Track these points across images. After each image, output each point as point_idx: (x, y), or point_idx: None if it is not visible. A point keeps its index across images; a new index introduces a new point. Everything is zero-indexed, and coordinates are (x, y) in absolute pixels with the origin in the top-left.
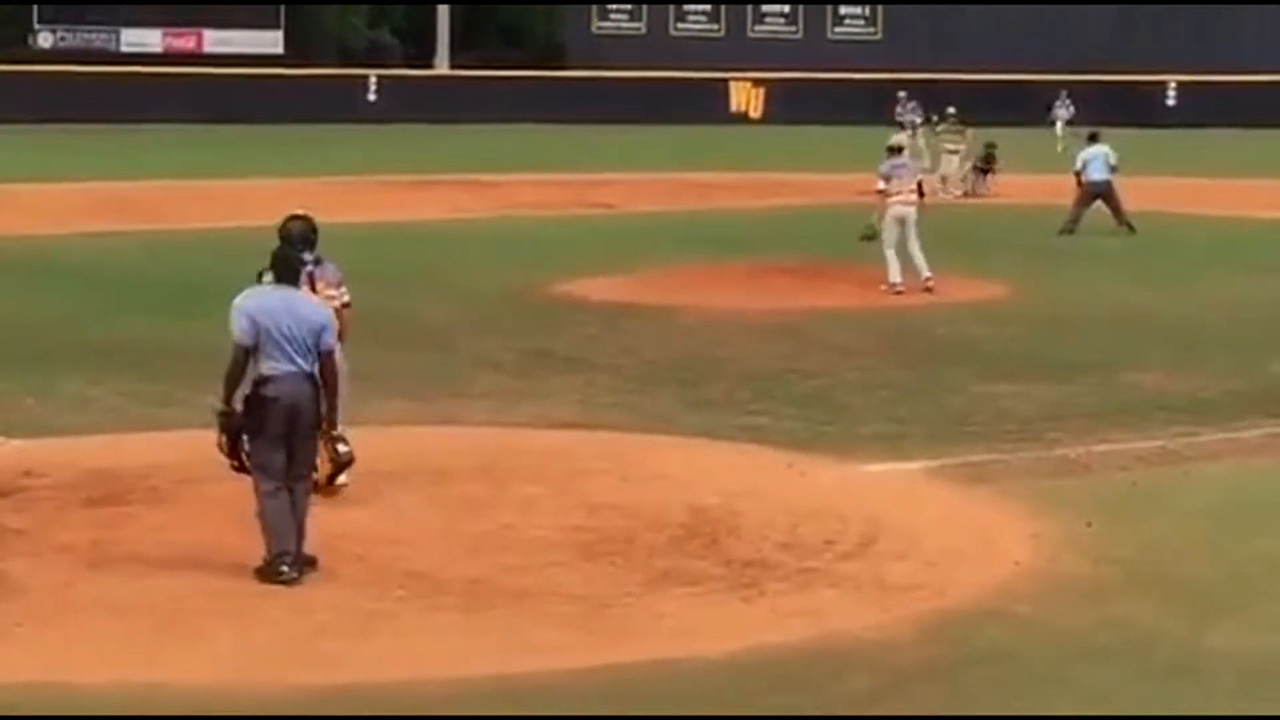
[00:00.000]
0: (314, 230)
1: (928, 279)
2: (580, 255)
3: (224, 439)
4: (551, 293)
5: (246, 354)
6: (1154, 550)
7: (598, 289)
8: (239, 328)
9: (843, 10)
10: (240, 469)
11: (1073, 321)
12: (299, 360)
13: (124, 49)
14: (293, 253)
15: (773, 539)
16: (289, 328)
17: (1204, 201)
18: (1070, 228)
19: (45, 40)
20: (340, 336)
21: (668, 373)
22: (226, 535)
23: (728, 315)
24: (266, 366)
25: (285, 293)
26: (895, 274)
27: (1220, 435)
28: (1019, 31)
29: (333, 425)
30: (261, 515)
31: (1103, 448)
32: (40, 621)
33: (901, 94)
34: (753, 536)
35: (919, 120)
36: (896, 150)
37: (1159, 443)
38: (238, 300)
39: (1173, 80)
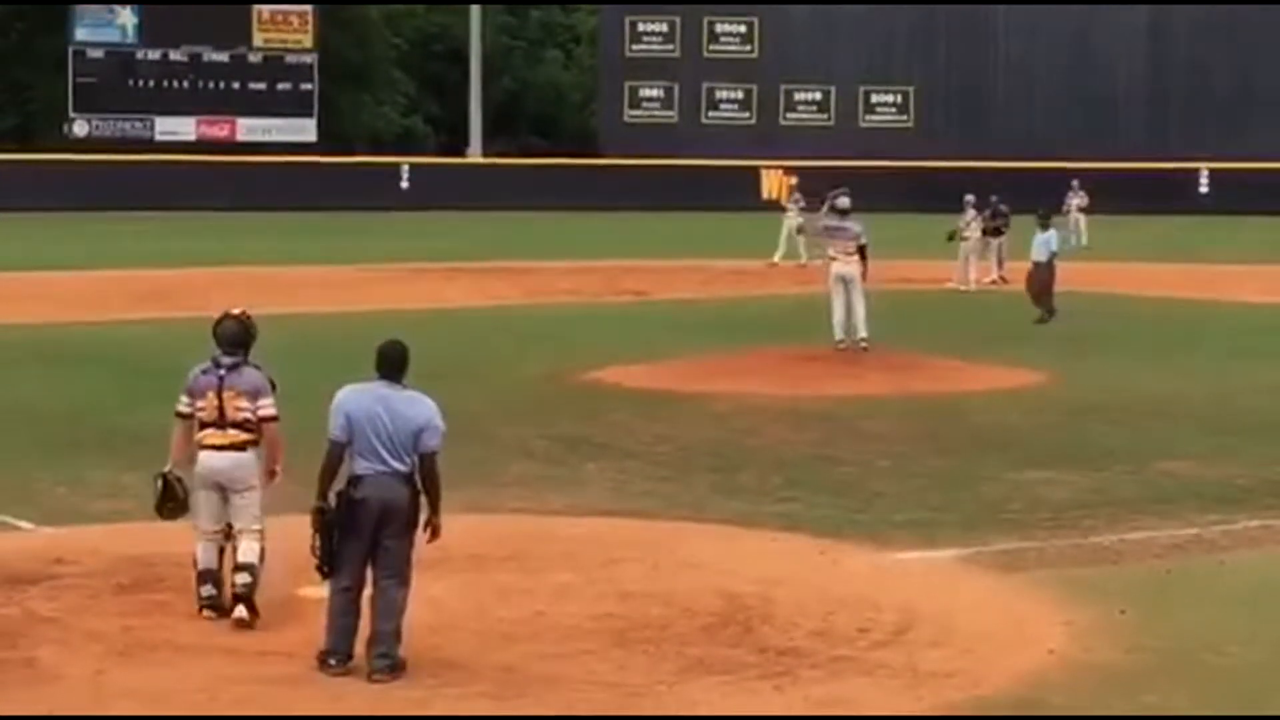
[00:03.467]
0: (248, 332)
1: (862, 339)
2: (612, 342)
3: (316, 538)
4: (583, 380)
5: (341, 449)
6: (1188, 638)
7: (630, 376)
8: (335, 424)
9: (874, 98)
10: (325, 575)
11: (1106, 409)
12: (391, 461)
13: (158, 138)
14: (398, 348)
15: (806, 627)
16: (385, 427)
17: (1237, 288)
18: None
19: (80, 129)
20: (273, 456)
21: (700, 460)
22: (257, 623)
23: (760, 402)
24: (358, 466)
25: (386, 389)
26: (839, 331)
27: (1256, 523)
28: (1050, 119)
29: (433, 527)
30: (328, 610)
31: (1137, 535)
32: (70, 711)
33: (793, 180)
34: (786, 624)
35: (800, 218)
36: (842, 212)
37: (1193, 530)
38: (338, 396)
39: (1205, 168)
